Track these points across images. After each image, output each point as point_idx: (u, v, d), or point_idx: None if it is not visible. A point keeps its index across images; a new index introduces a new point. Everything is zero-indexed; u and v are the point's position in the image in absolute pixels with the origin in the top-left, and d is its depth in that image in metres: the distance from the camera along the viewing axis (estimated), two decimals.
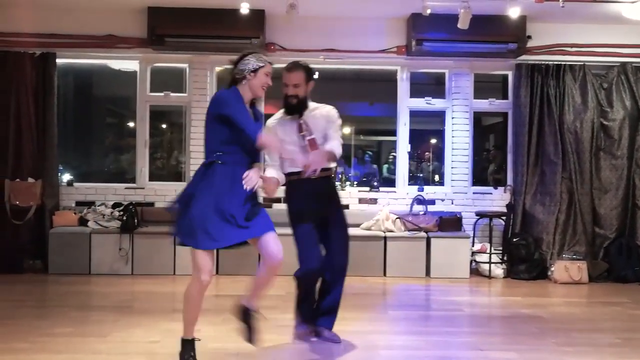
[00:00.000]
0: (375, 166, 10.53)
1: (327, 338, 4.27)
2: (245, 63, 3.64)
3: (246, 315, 3.74)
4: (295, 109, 4.15)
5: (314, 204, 4.11)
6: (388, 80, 7.92)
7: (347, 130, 10.59)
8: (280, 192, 4.12)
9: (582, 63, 7.44)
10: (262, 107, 3.92)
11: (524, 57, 7.45)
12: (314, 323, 4.29)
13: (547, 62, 7.45)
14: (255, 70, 3.65)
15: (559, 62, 7.44)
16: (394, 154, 8.17)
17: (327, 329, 4.29)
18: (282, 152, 3.97)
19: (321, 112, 4.24)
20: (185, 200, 3.56)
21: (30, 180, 7.13)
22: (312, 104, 4.25)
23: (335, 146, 4.13)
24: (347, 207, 4.16)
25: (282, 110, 4.23)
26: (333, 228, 4.20)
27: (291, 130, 4.16)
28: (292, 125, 4.16)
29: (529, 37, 7.34)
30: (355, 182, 8.40)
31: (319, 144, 4.12)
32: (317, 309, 4.30)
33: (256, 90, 3.70)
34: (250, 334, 3.75)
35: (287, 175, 4.16)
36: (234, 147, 3.60)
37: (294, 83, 4.10)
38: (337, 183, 7.04)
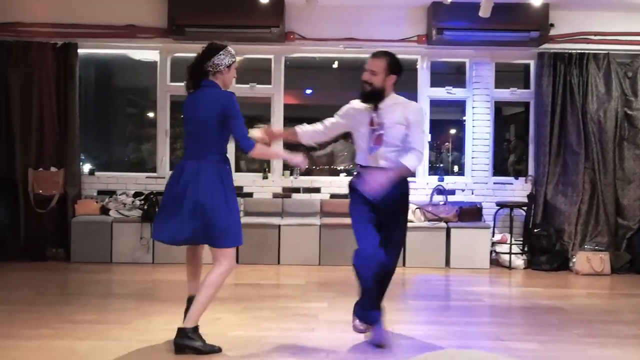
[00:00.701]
0: None
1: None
2: (221, 58, 3.72)
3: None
4: (368, 97, 3.98)
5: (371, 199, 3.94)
6: (408, 70, 7.81)
7: None
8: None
9: (606, 51, 7.31)
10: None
11: (546, 45, 7.33)
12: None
13: (570, 51, 7.33)
14: (229, 66, 3.75)
15: (583, 51, 7.32)
16: None
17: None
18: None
19: (403, 109, 3.95)
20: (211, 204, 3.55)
21: (53, 169, 7.21)
22: (397, 98, 4.03)
23: (410, 161, 3.83)
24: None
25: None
26: (385, 230, 3.97)
27: (364, 121, 3.99)
28: (365, 116, 3.98)
29: (552, 25, 7.23)
30: None
31: (389, 143, 3.90)
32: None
33: (229, 83, 3.80)
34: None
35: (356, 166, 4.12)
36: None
37: (371, 69, 3.96)
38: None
